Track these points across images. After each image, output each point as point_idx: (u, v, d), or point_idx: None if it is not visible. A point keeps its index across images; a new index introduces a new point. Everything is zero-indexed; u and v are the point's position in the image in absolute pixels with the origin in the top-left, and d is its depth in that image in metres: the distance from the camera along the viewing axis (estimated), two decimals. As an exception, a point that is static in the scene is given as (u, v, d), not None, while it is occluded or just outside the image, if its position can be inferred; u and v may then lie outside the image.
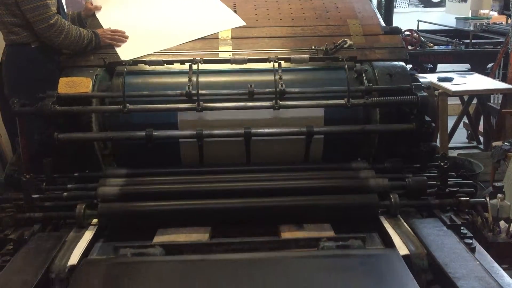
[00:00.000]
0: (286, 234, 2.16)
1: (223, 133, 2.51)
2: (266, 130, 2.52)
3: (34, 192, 2.27)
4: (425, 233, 2.05)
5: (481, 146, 6.29)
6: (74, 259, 1.94)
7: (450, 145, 5.77)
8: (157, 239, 2.13)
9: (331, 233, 2.14)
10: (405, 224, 2.17)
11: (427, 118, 2.55)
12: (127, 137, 2.52)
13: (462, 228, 2.09)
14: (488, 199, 2.30)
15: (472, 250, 1.94)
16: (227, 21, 3.02)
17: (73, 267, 1.89)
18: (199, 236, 2.15)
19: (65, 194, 2.30)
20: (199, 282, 1.79)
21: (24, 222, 2.17)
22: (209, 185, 2.36)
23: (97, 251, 2.10)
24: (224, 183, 2.36)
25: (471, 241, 1.99)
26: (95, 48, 2.83)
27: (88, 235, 2.14)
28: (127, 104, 2.46)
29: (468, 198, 2.26)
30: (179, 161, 2.63)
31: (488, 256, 1.91)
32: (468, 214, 2.23)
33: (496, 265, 1.84)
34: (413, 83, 2.60)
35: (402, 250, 1.97)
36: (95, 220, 2.23)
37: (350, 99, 2.49)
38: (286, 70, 2.67)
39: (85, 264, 1.90)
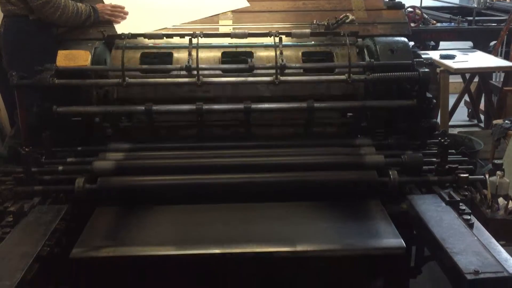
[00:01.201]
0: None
1: (223, 108, 2.50)
2: (266, 106, 2.50)
3: (34, 165, 2.27)
4: (424, 208, 2.05)
5: (482, 125, 6.29)
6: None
7: (450, 123, 5.76)
8: None
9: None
10: None
11: (428, 95, 2.53)
12: (127, 112, 2.51)
13: (460, 204, 2.09)
14: (487, 176, 2.31)
15: (470, 226, 1.94)
16: (231, 2, 2.96)
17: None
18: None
19: (60, 167, 2.30)
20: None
21: (24, 195, 2.17)
22: (207, 160, 2.36)
23: None
24: (223, 159, 2.36)
25: (469, 217, 1.99)
26: (93, 23, 2.79)
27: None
28: (126, 78, 2.44)
29: (467, 175, 2.25)
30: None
31: (486, 232, 1.92)
32: (467, 191, 2.23)
33: (493, 240, 1.85)
34: (414, 59, 2.57)
35: None
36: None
37: (351, 74, 2.47)
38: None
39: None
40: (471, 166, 2.36)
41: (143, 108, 2.43)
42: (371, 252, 1.99)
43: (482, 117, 6.35)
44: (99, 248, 1.96)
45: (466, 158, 2.45)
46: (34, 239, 1.85)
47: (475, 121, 6.48)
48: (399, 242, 1.98)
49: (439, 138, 2.35)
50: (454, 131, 5.48)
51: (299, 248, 1.95)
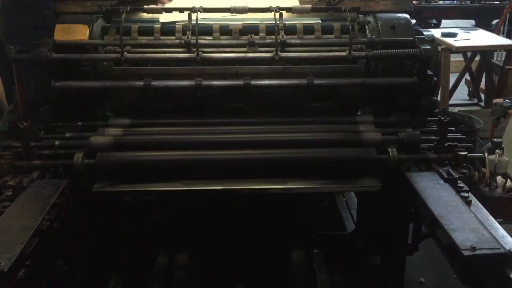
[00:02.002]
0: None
1: (222, 84, 2.48)
2: (266, 82, 2.49)
3: (33, 140, 2.27)
4: (422, 186, 2.05)
5: (482, 104, 6.28)
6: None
7: (450, 102, 5.76)
8: None
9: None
10: None
11: (429, 72, 2.52)
12: (125, 87, 2.49)
13: (459, 181, 2.09)
14: (486, 155, 2.30)
15: (468, 203, 1.95)
16: None
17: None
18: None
19: (57, 142, 2.29)
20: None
21: (23, 169, 2.17)
22: (205, 136, 2.35)
23: None
24: (221, 135, 2.35)
25: (467, 195, 1.99)
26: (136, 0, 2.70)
27: None
28: (125, 53, 2.42)
29: (466, 153, 2.25)
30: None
31: (484, 209, 1.92)
32: (466, 169, 2.23)
33: (491, 218, 1.85)
34: (416, 36, 2.55)
35: None
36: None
37: (352, 51, 2.45)
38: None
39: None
40: (470, 144, 2.36)
41: (142, 83, 2.41)
42: (350, 189, 2.37)
43: (482, 96, 6.34)
44: (117, 184, 2.20)
45: (465, 136, 2.45)
46: (34, 213, 1.85)
47: (475, 100, 6.47)
48: (376, 181, 2.21)
49: (439, 116, 2.34)
50: (454, 110, 5.47)
51: (289, 185, 2.21)
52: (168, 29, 2.62)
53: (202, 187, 2.21)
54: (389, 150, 2.24)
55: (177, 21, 2.63)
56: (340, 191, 2.45)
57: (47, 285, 2.16)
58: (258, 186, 2.21)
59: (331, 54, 2.51)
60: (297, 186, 2.22)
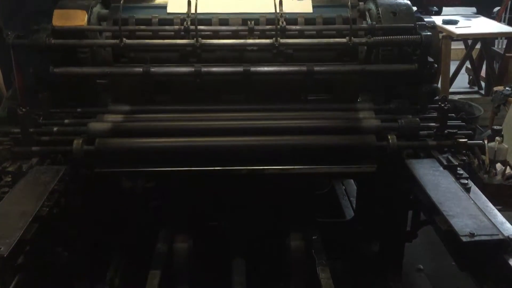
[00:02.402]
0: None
1: (222, 71, 2.47)
2: (266, 68, 2.47)
3: (32, 126, 2.26)
4: (421, 172, 2.05)
5: (482, 92, 6.26)
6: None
7: (451, 89, 5.75)
8: None
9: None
10: None
11: (430, 59, 2.51)
12: (125, 73, 2.48)
13: (458, 168, 2.09)
14: (486, 142, 2.30)
15: (468, 190, 1.95)
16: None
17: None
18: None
19: (55, 129, 2.29)
20: None
21: (22, 155, 2.17)
22: (204, 123, 2.34)
23: None
24: (219, 122, 2.35)
25: (466, 182, 1.99)
26: None
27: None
28: (124, 39, 2.40)
29: (466, 140, 2.25)
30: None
31: (483, 196, 1.92)
32: (465, 156, 2.23)
33: (490, 204, 1.85)
34: (417, 23, 2.53)
35: None
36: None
37: (352, 37, 2.43)
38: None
39: None
40: (470, 132, 2.35)
41: (141, 69, 2.40)
42: (347, 169, 2.37)
43: (483, 84, 6.32)
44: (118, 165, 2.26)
45: (465, 124, 2.44)
46: (33, 199, 1.85)
47: (476, 88, 6.45)
48: (372, 163, 2.26)
49: (439, 103, 2.33)
50: (455, 97, 5.46)
51: (287, 166, 2.26)
52: (167, 20, 2.60)
53: (204, 167, 2.24)
54: (389, 137, 2.24)
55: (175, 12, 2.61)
56: (337, 172, 2.48)
57: (47, 270, 2.17)
58: (257, 167, 2.25)
59: (331, 40, 2.50)
60: (295, 167, 2.27)
